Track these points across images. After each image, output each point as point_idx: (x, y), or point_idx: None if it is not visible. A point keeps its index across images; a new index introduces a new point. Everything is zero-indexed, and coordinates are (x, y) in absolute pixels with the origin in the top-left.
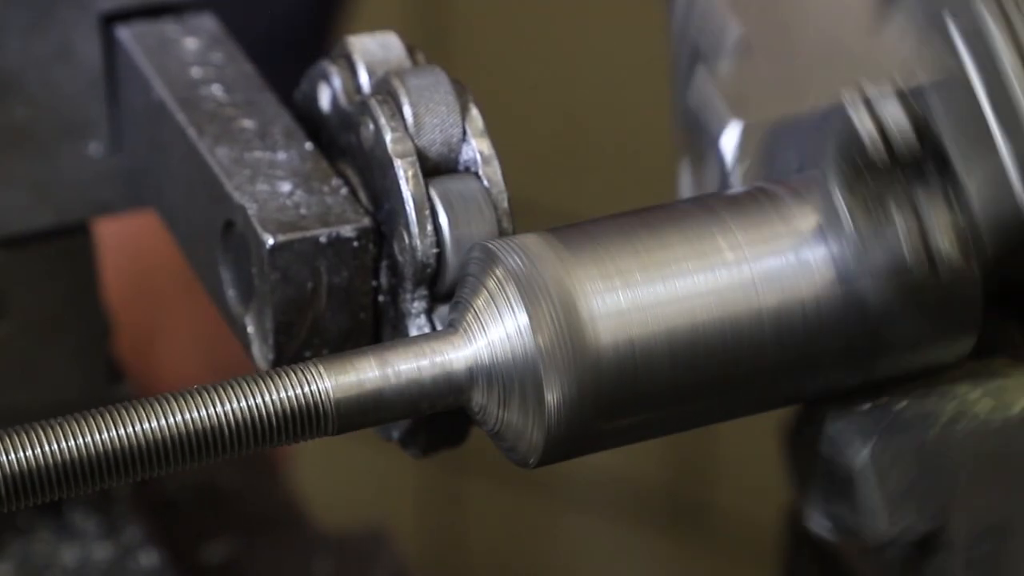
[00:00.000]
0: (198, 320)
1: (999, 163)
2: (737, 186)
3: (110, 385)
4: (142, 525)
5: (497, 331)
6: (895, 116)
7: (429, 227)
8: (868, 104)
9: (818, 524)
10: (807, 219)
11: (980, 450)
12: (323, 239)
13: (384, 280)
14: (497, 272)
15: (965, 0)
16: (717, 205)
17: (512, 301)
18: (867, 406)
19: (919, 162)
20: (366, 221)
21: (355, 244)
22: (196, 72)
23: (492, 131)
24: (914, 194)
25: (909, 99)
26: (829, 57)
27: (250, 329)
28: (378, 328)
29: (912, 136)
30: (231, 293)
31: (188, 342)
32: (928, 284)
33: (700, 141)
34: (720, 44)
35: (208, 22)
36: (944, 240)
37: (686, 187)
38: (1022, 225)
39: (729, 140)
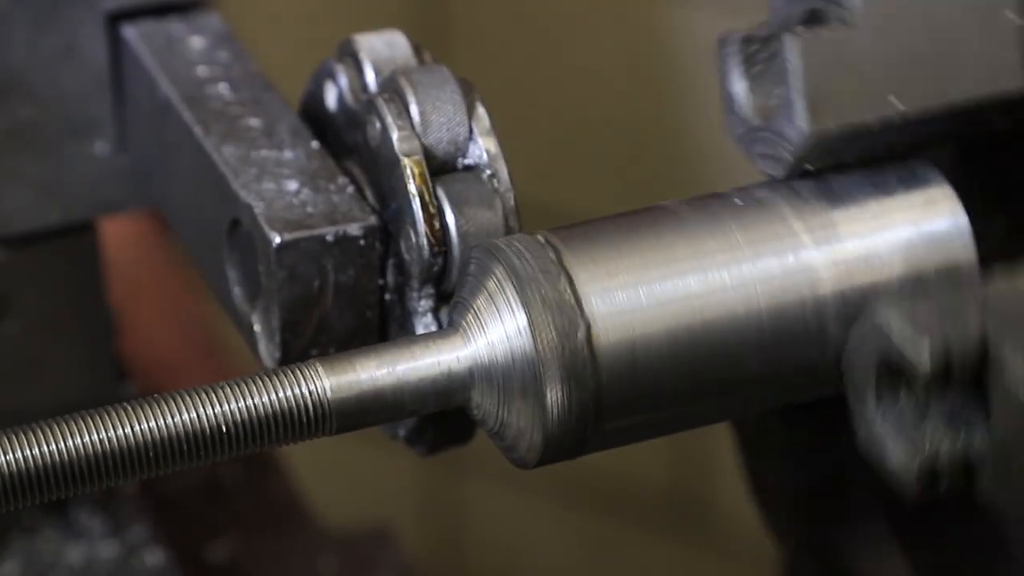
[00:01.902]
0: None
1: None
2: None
3: (115, 384)
4: (147, 524)
5: (497, 331)
6: (962, 332)
7: (436, 226)
8: (941, 318)
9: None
10: (808, 221)
11: None
12: (330, 237)
13: (391, 279)
14: (497, 272)
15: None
16: (717, 206)
17: (512, 301)
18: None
19: (958, 383)
20: (373, 220)
21: (362, 243)
22: (202, 71)
23: (497, 130)
24: (937, 413)
25: (983, 320)
26: (937, 48)
27: (256, 328)
28: (384, 327)
29: (976, 356)
30: (237, 292)
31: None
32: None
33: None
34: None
35: (214, 21)
36: (949, 467)
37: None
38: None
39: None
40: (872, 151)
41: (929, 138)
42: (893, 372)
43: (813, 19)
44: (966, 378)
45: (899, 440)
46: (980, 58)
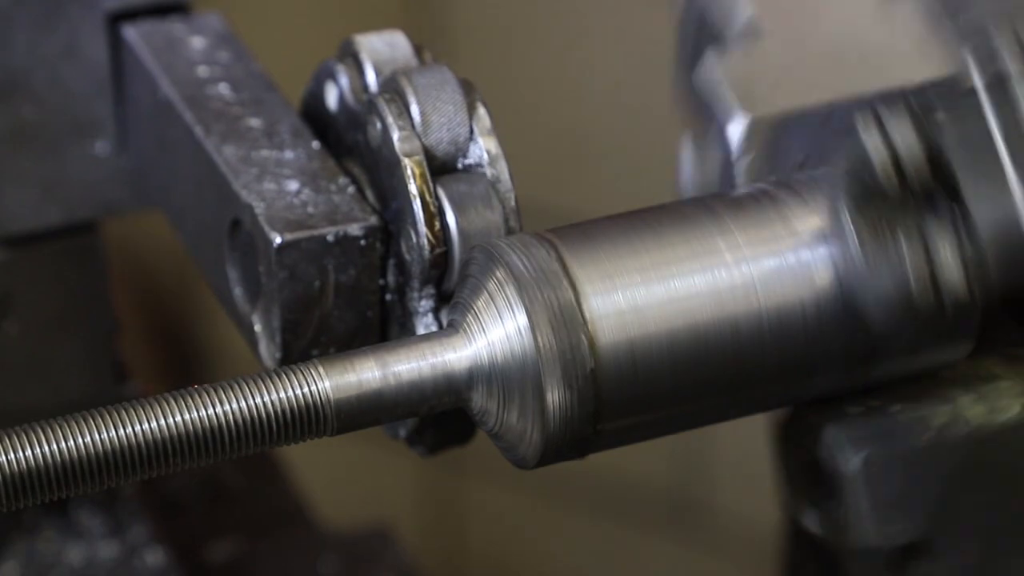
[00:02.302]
0: None
1: (1009, 196)
2: (740, 177)
3: (117, 384)
4: (148, 524)
5: (497, 332)
6: (908, 143)
7: (436, 226)
8: (881, 128)
9: (809, 521)
10: (807, 221)
11: (971, 457)
12: (330, 237)
13: (391, 279)
14: (497, 273)
15: (981, 26)
16: (717, 206)
17: (512, 302)
18: (861, 410)
19: (930, 190)
20: (373, 220)
21: (362, 243)
22: (203, 71)
23: (497, 130)
24: (923, 222)
25: (923, 124)
26: (841, 47)
27: (257, 328)
28: (385, 327)
29: (925, 165)
30: (238, 292)
31: None
32: (931, 311)
33: (705, 123)
34: (729, 24)
35: (215, 21)
36: (950, 272)
37: (687, 162)
38: None
39: (735, 131)
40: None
41: None
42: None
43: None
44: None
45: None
46: (882, 51)
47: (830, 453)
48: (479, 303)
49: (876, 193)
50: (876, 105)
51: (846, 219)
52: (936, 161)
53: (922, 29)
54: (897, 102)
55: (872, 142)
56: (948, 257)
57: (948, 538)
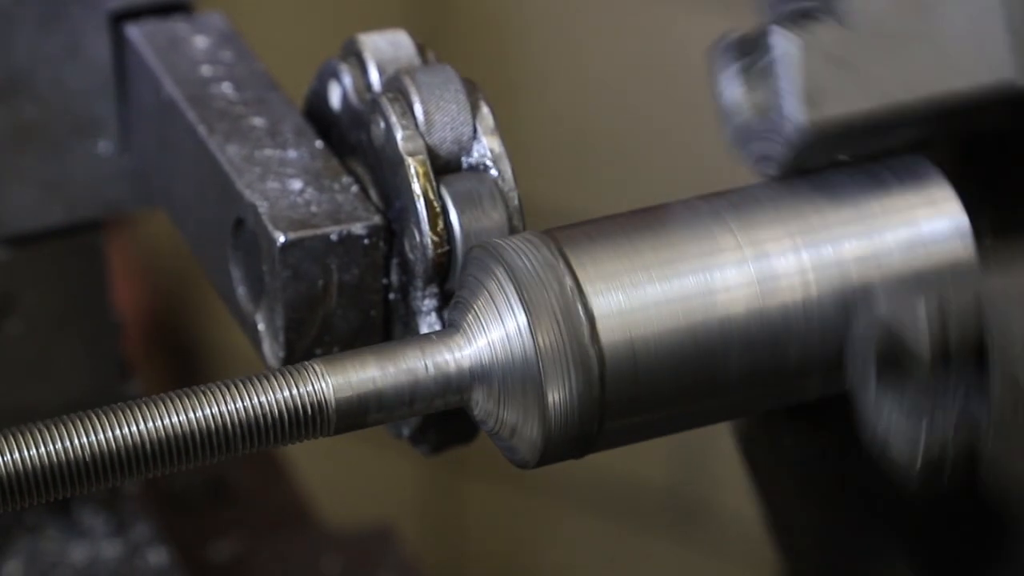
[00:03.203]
0: None
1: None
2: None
3: (120, 383)
4: (150, 523)
5: (497, 331)
6: (963, 319)
7: (440, 225)
8: (940, 308)
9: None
10: (806, 219)
11: None
12: (334, 237)
13: (395, 278)
14: (497, 272)
15: None
16: (718, 205)
17: (512, 301)
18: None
19: (957, 369)
20: (377, 219)
21: (366, 242)
22: (206, 70)
23: (501, 129)
24: (938, 399)
25: (981, 309)
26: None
27: (261, 327)
28: (389, 326)
29: (975, 342)
30: (241, 291)
31: None
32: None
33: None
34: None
35: (218, 20)
36: (955, 451)
37: (731, 84)
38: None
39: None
40: (869, 148)
41: (925, 135)
42: (895, 363)
43: (805, 18)
44: (965, 365)
45: (902, 430)
46: (972, 54)
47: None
48: (479, 302)
49: (902, 365)
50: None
51: (870, 375)
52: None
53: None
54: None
55: (927, 318)
56: (953, 437)
57: None
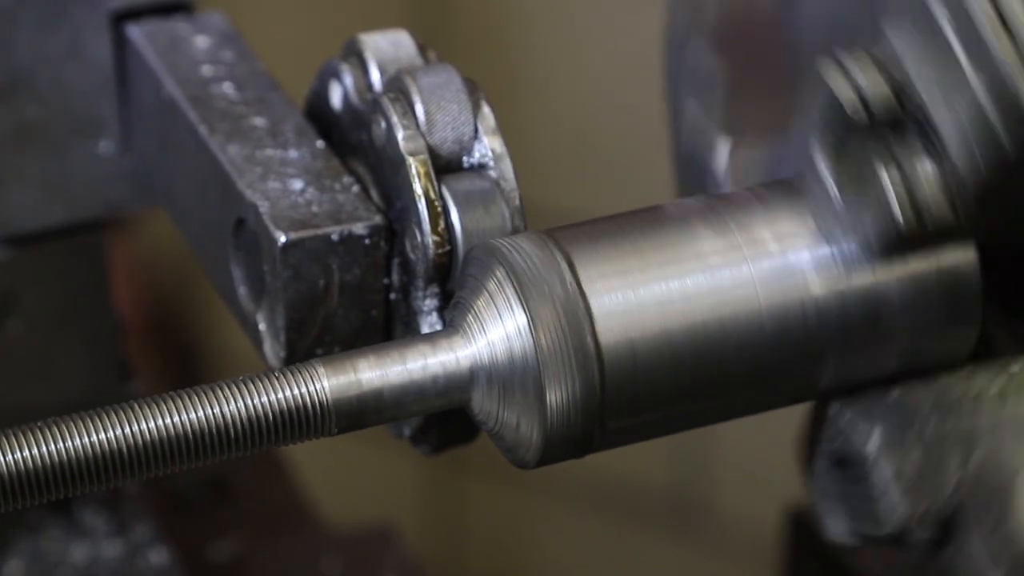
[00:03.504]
0: None
1: (972, 99)
2: None
3: (120, 383)
4: (151, 523)
5: (497, 331)
6: (871, 77)
7: (441, 225)
8: (844, 70)
9: (836, 531)
10: (807, 220)
11: (993, 432)
12: (335, 237)
13: (396, 278)
14: (497, 272)
15: None
16: (717, 205)
17: (512, 301)
18: (872, 399)
19: (899, 121)
20: (378, 219)
21: (367, 242)
22: (207, 70)
23: (502, 129)
24: (896, 153)
25: (882, 62)
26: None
27: (262, 327)
28: (390, 326)
29: (888, 92)
30: (242, 291)
31: None
32: (917, 241)
33: (696, 174)
34: (709, 87)
35: (219, 20)
36: (929, 191)
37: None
38: (998, 158)
39: (720, 159)
40: None
41: None
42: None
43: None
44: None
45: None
46: None
47: (848, 437)
48: (479, 303)
49: (848, 134)
50: (837, 54)
51: (821, 164)
52: (900, 88)
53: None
54: (856, 48)
55: (837, 83)
56: (924, 179)
57: (980, 510)
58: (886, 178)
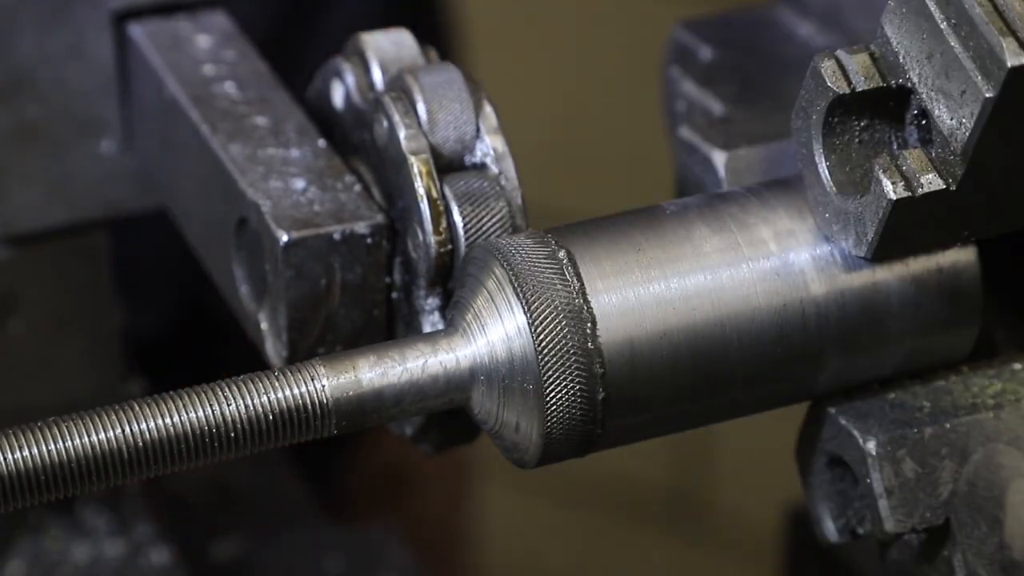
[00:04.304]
0: None
1: (958, 67)
2: None
3: (121, 383)
4: (153, 522)
5: (497, 331)
6: (857, 58)
7: (443, 224)
8: (834, 57)
9: (829, 530)
10: (806, 220)
11: (988, 438)
12: (337, 236)
13: (398, 277)
14: (497, 272)
15: None
16: (717, 205)
17: (512, 301)
18: (871, 400)
19: (885, 99)
20: (380, 218)
21: (369, 241)
22: (209, 69)
23: (504, 128)
24: (886, 133)
25: (871, 48)
26: None
27: (263, 326)
28: (391, 325)
29: (867, 59)
30: (244, 290)
31: None
32: (912, 214)
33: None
34: (707, 117)
35: (220, 20)
36: (916, 164)
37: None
38: (982, 110)
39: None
40: None
41: None
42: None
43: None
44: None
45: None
46: None
47: (844, 441)
48: (479, 302)
49: (839, 120)
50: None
51: (815, 149)
52: (885, 68)
53: None
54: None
55: (824, 64)
56: (912, 154)
57: (968, 521)
58: (877, 161)
